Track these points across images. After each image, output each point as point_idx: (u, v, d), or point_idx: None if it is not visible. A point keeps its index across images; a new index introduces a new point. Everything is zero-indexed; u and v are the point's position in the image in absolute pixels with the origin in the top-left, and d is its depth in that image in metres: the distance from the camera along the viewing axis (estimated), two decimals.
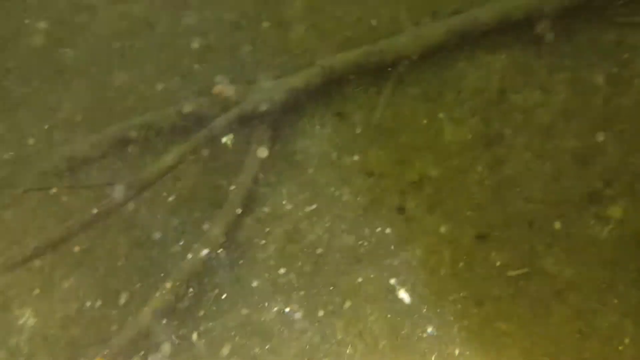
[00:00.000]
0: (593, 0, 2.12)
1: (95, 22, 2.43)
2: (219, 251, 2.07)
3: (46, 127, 2.26)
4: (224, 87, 2.25)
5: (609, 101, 2.07)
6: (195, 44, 2.41)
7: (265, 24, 2.42)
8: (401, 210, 2.12)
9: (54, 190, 2.07)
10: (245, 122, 2.25)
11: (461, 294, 1.93)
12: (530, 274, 1.93)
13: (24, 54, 2.43)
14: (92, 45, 2.40)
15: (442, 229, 2.05)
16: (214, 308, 2.00)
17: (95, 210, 1.88)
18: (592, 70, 2.12)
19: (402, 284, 2.00)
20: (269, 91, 2.26)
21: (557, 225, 1.98)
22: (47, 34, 2.44)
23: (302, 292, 2.02)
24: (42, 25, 2.47)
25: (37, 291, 2.04)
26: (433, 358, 1.83)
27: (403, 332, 1.89)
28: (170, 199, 2.19)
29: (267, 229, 2.15)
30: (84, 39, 2.41)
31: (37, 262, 2.01)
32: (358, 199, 2.16)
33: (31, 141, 2.26)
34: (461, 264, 1.98)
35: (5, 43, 2.45)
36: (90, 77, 2.35)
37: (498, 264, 1.96)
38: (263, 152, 2.24)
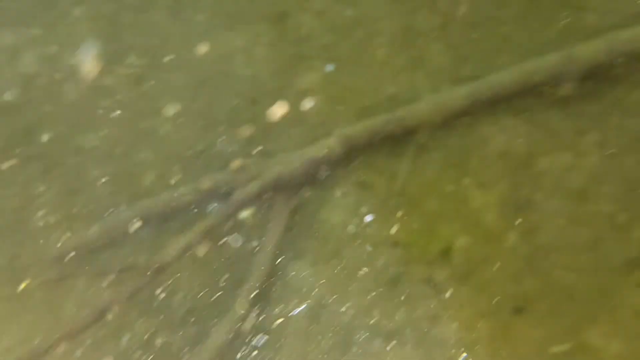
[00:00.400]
0: (619, 60, 2.11)
1: (118, 105, 2.46)
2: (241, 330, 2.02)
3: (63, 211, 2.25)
4: (242, 162, 2.24)
5: None
6: (213, 120, 2.42)
7: (283, 96, 2.43)
8: (430, 282, 2.05)
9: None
10: (265, 196, 2.24)
11: None
12: (575, 349, 1.83)
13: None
14: (115, 127, 2.42)
15: (476, 303, 1.97)
16: None
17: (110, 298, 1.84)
18: (621, 132, 2.09)
19: None
20: (288, 163, 2.25)
21: (599, 295, 1.90)
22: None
23: None
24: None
25: None
26: None
27: None
28: (190, 278, 2.14)
29: (289, 307, 2.09)
30: (106, 123, 2.43)
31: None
32: (384, 271, 2.10)
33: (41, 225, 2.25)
34: (499, 341, 1.89)
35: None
36: (110, 158, 2.36)
37: (539, 339, 1.87)
38: (283, 226, 2.21)
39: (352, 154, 2.29)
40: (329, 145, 2.26)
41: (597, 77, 2.15)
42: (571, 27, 2.29)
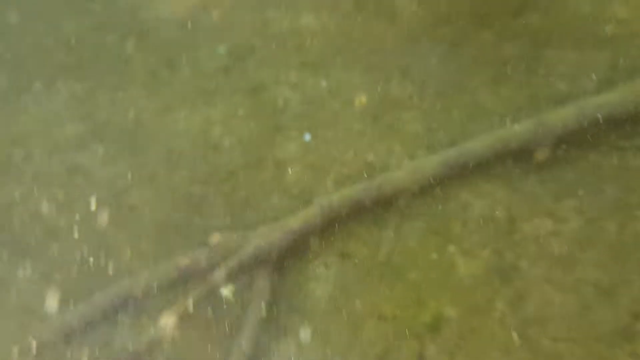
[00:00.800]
0: (590, 125, 2.07)
1: (90, 183, 2.31)
2: None
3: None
4: (221, 236, 2.10)
5: (624, 227, 1.97)
6: (191, 194, 2.29)
7: (261, 167, 2.32)
8: (421, 358, 1.91)
9: None
10: (246, 270, 2.09)
11: None
12: None
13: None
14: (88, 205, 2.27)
15: None
16: None
17: None
18: (600, 196, 2.03)
19: None
20: (268, 235, 2.12)
21: None
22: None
23: None
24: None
25: None
26: None
27: None
28: None
29: None
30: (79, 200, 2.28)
31: None
32: (373, 347, 1.95)
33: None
34: None
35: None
36: (84, 238, 2.19)
37: None
38: (266, 301, 2.05)
39: (333, 223, 2.18)
40: (309, 215, 2.15)
41: (571, 143, 2.11)
42: (541, 93, 2.27)
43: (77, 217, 2.24)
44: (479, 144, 2.20)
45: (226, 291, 2.09)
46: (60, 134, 2.43)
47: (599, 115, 2.06)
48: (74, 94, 2.53)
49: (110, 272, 2.09)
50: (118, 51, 2.62)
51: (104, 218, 2.22)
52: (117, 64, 2.59)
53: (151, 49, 2.61)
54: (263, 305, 2.05)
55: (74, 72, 2.59)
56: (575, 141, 2.11)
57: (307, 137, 2.40)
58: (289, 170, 2.32)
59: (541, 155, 2.13)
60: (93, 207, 2.24)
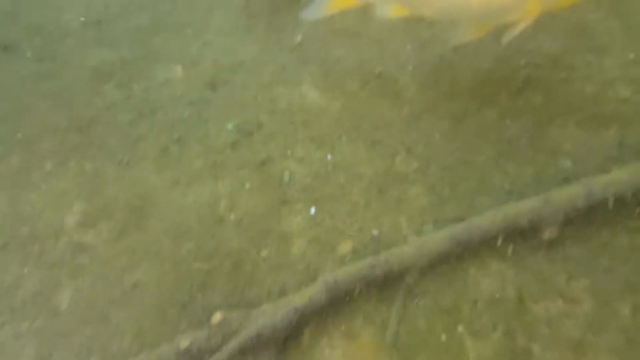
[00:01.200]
0: (599, 205, 1.98)
1: (94, 261, 2.23)
2: None
3: None
4: (223, 315, 1.98)
5: (638, 311, 1.84)
6: (195, 270, 2.19)
7: (267, 241, 2.23)
8: None
9: None
10: (248, 352, 1.96)
11: None
12: None
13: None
14: (91, 285, 2.18)
15: None
16: None
17: None
18: (611, 278, 1.92)
19: None
20: (271, 314, 2.00)
21: None
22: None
23: None
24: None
25: None
26: None
27: None
28: None
29: None
30: (83, 279, 2.19)
31: None
32: None
33: None
34: None
35: None
36: (84, 317, 2.08)
37: None
38: None
39: (338, 300, 2.06)
40: (313, 292, 2.04)
41: (581, 221, 2.02)
42: (547, 171, 2.20)
43: (78, 297, 2.14)
44: (486, 220, 2.11)
45: None
46: (67, 212, 2.37)
47: (607, 195, 1.98)
48: (84, 172, 2.49)
49: (112, 353, 1.97)
50: (129, 130, 2.61)
51: (106, 297, 2.12)
52: (128, 142, 2.56)
53: (162, 126, 2.60)
54: None
55: (85, 150, 2.56)
56: (584, 220, 2.02)
57: (313, 210, 2.32)
58: (294, 244, 2.23)
59: (549, 233, 2.04)
60: (95, 287, 2.15)
